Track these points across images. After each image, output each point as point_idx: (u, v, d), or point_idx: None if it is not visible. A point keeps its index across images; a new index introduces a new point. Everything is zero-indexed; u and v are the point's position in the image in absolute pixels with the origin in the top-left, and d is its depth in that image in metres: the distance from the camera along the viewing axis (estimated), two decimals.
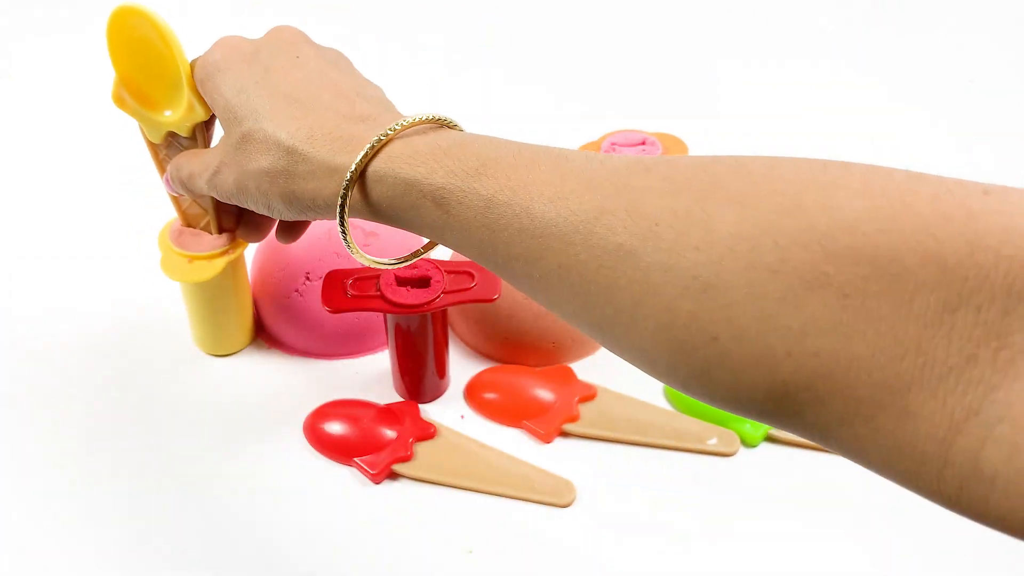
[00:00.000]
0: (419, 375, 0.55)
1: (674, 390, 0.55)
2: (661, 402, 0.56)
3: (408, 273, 0.51)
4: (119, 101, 0.45)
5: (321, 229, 0.56)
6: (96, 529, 0.49)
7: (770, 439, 0.53)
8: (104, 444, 0.53)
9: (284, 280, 0.57)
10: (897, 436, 0.24)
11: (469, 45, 0.94)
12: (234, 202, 0.41)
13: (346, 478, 0.51)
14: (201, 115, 0.44)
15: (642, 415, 0.54)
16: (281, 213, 0.38)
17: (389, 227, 0.57)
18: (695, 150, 0.67)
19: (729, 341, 0.26)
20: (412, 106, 0.39)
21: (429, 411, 0.55)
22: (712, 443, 0.53)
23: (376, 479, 0.51)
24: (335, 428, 0.53)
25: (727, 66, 0.90)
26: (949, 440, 0.23)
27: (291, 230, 0.46)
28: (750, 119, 0.82)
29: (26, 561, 0.47)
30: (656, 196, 0.28)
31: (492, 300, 0.51)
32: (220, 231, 0.52)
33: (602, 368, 0.58)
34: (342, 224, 0.36)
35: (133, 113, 0.46)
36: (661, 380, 0.29)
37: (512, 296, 0.55)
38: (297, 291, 0.57)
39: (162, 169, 0.48)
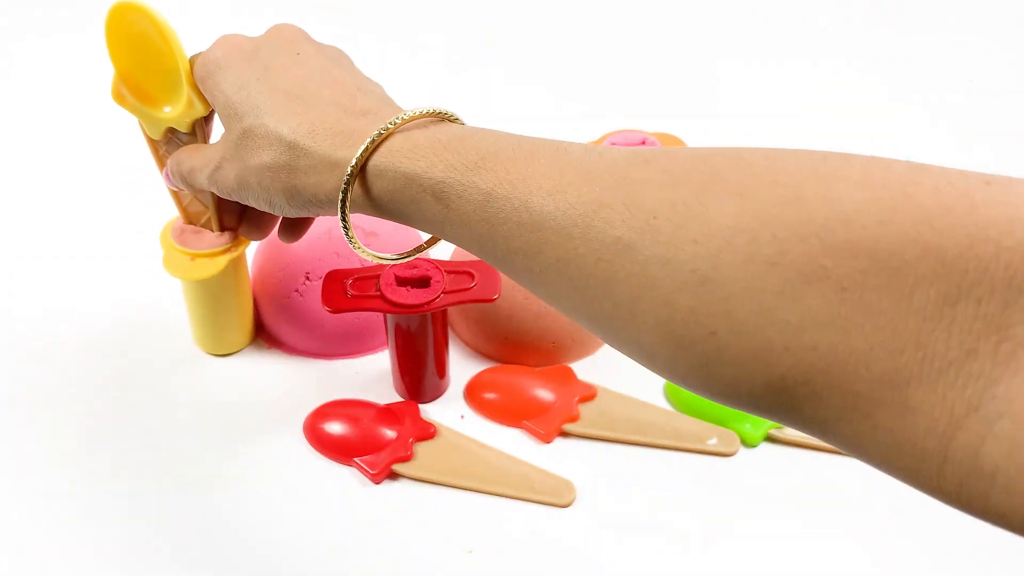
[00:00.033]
0: (419, 375, 0.55)
1: (674, 390, 0.55)
2: (661, 402, 0.56)
3: (408, 273, 0.51)
4: (118, 98, 0.45)
5: (321, 229, 0.56)
6: (96, 529, 0.49)
7: (770, 439, 0.53)
8: (104, 444, 0.53)
9: (284, 280, 0.57)
10: (896, 432, 0.24)
11: (469, 45, 0.94)
12: (235, 198, 0.41)
13: (346, 478, 0.51)
14: (201, 110, 0.44)
15: (642, 415, 0.54)
16: (283, 209, 0.38)
17: (389, 227, 0.58)
18: None
19: (727, 335, 0.26)
20: (413, 106, 0.39)
21: (429, 411, 0.55)
22: (712, 443, 0.53)
23: (376, 479, 0.51)
24: (335, 428, 0.53)
25: (727, 66, 0.90)
26: (949, 435, 0.23)
27: (293, 229, 0.46)
28: (750, 119, 0.82)
29: (26, 561, 0.47)
30: (655, 188, 0.28)
31: (492, 300, 0.51)
32: (222, 229, 0.52)
33: (602, 368, 0.58)
34: (343, 219, 0.36)
35: (132, 110, 0.46)
36: (661, 375, 0.29)
37: (512, 296, 0.55)
38: (297, 291, 0.56)
39: (162, 166, 0.48)
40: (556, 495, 0.50)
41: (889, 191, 0.24)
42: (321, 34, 0.43)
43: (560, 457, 0.52)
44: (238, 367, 0.58)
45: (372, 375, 0.58)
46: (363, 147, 0.34)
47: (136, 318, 0.61)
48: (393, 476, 0.51)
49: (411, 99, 0.41)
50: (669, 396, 0.56)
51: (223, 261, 0.52)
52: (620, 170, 0.29)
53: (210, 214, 0.51)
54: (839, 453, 0.52)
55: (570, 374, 0.56)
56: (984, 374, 0.22)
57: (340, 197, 0.35)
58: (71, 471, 0.51)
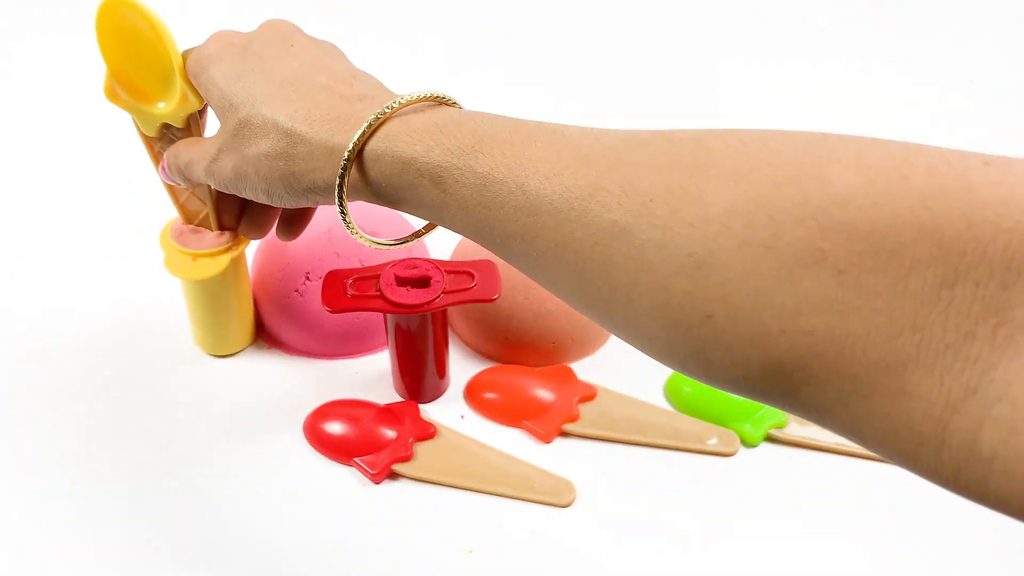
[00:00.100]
0: (419, 375, 0.55)
1: (674, 390, 0.55)
2: (661, 402, 0.56)
3: (408, 273, 0.51)
4: (111, 95, 0.45)
5: (321, 229, 0.56)
6: (96, 529, 0.49)
7: (770, 439, 0.53)
8: (104, 444, 0.53)
9: (284, 280, 0.57)
10: (893, 416, 0.24)
11: (469, 45, 0.94)
12: (232, 190, 0.40)
13: (346, 478, 0.51)
14: (195, 104, 0.44)
15: (642, 415, 0.54)
16: (281, 199, 0.38)
17: (387, 226, 0.57)
18: None
19: (724, 319, 0.26)
20: (409, 90, 0.39)
21: (429, 411, 0.55)
22: (712, 443, 0.53)
23: (376, 479, 0.51)
24: (335, 428, 0.53)
25: (727, 66, 0.90)
26: (946, 419, 0.23)
27: (291, 226, 0.46)
28: (750, 119, 0.81)
29: (26, 561, 0.47)
30: (651, 172, 0.28)
31: (492, 300, 0.51)
32: (221, 228, 0.51)
33: (602, 368, 0.57)
34: (341, 205, 0.36)
35: (126, 107, 0.46)
36: (659, 360, 0.29)
37: (512, 296, 0.55)
38: (297, 291, 0.56)
39: (157, 162, 0.48)
40: (556, 495, 0.50)
41: (884, 173, 0.24)
42: (321, 34, 0.43)
43: (560, 457, 0.52)
44: (238, 367, 0.58)
45: (372, 375, 0.58)
46: (360, 132, 0.34)
47: (136, 318, 0.61)
48: (393, 476, 0.51)
49: None
50: (669, 396, 0.56)
51: (225, 260, 0.52)
52: (616, 152, 0.29)
53: (208, 211, 0.51)
54: (839, 453, 0.52)
55: (570, 374, 0.56)
56: (982, 357, 0.22)
57: (337, 183, 0.35)
58: (71, 471, 0.51)
